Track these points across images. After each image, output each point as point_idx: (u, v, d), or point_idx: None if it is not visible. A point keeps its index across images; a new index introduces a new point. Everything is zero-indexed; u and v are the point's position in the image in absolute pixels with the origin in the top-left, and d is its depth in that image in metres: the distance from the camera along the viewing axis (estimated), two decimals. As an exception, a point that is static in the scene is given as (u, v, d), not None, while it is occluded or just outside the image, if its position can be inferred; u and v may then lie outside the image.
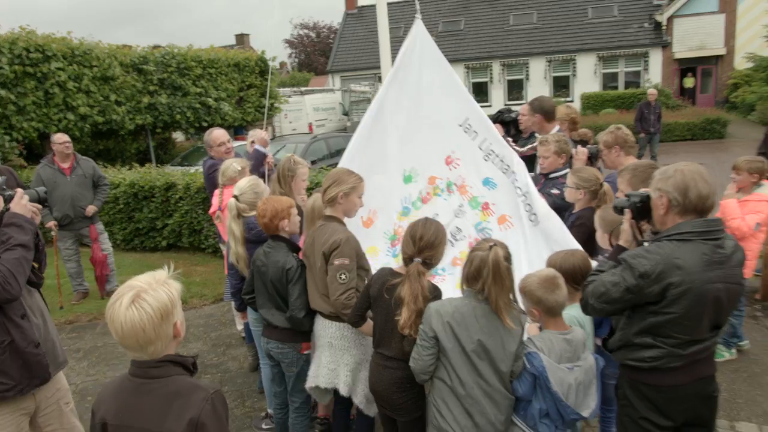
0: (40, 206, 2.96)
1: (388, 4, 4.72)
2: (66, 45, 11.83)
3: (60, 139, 6.71)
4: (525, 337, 2.62)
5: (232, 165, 4.65)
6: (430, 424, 2.70)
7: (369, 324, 3.02)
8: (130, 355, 1.82)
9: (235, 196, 3.88)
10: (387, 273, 2.90)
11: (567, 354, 2.58)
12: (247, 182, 4.02)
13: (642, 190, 2.51)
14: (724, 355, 4.67)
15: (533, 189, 3.70)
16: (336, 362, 3.22)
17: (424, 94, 4.14)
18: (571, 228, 3.55)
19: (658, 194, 2.31)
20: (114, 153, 14.41)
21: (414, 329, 2.64)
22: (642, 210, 2.45)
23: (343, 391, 3.19)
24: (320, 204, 3.43)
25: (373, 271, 3.22)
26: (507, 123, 5.86)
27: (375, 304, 2.89)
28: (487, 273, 2.45)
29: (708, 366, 2.39)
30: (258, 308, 3.55)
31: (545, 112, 4.97)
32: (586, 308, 2.48)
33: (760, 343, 4.92)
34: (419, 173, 4.20)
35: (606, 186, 3.63)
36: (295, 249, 3.47)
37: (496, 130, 4.12)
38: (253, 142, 4.99)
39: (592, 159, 4.44)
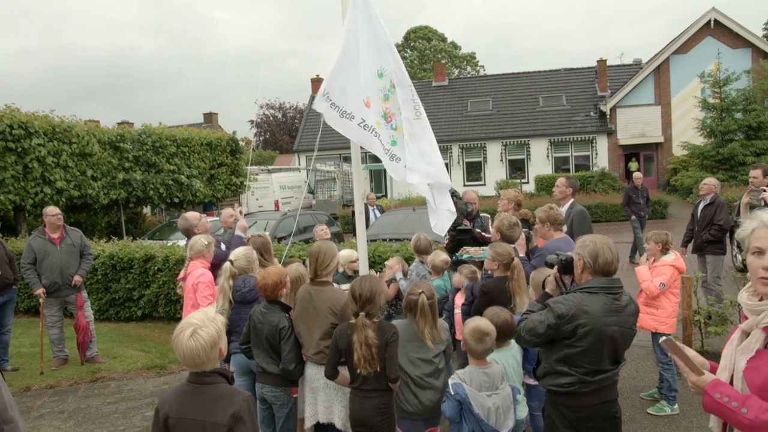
0: None
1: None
2: (48, 122, 12.33)
3: (52, 211, 7.12)
4: None
5: (199, 240, 5.20)
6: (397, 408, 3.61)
7: (344, 376, 3.61)
8: (189, 370, 2.40)
9: (231, 261, 4.48)
10: (347, 327, 3.51)
11: (486, 384, 3.34)
12: (243, 251, 4.70)
13: (568, 253, 3.29)
14: (665, 410, 5.23)
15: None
16: (330, 400, 3.80)
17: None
18: (479, 293, 4.40)
19: (577, 257, 3.06)
20: (85, 226, 14.61)
21: (366, 368, 3.35)
22: (566, 267, 3.23)
23: (338, 425, 3.75)
24: (303, 271, 4.23)
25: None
26: (468, 215, 6.61)
27: (347, 354, 3.50)
28: (419, 311, 3.56)
29: (611, 392, 3.05)
30: (254, 357, 4.02)
31: (575, 188, 6.26)
32: (519, 339, 3.16)
33: (690, 398, 5.48)
34: (385, 71, 4.52)
35: (516, 260, 4.35)
36: (286, 309, 4.01)
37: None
38: (235, 219, 5.75)
39: (529, 240, 5.44)
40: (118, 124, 17.70)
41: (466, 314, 4.46)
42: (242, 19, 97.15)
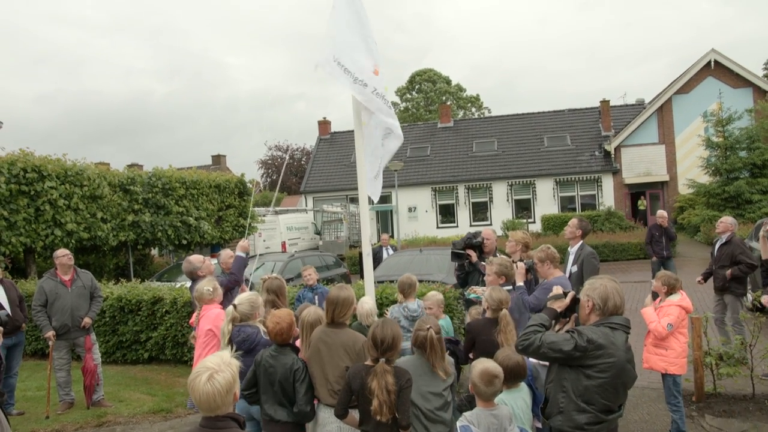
0: (1, 329, 3.19)
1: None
2: (60, 166, 12.55)
3: (62, 252, 7.21)
4: None
5: (204, 288, 5.23)
6: None
7: (353, 417, 3.61)
8: (202, 414, 2.41)
9: (234, 305, 4.50)
10: (362, 369, 3.52)
11: (494, 426, 3.35)
12: (247, 296, 4.73)
13: (573, 292, 3.39)
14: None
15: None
16: None
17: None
18: (466, 332, 4.52)
19: (586, 298, 3.14)
20: (94, 268, 14.68)
21: (385, 415, 3.33)
22: (571, 305, 3.34)
23: None
24: (321, 314, 4.19)
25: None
26: (475, 246, 6.66)
27: (359, 395, 3.50)
28: (428, 346, 3.61)
29: None
30: (261, 404, 3.99)
31: (585, 231, 6.32)
32: (531, 351, 3.11)
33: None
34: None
35: (504, 311, 4.40)
36: (296, 351, 4.01)
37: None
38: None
39: (529, 270, 5.56)
40: (129, 166, 18.01)
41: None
42: (254, 63, 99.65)
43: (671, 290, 5.41)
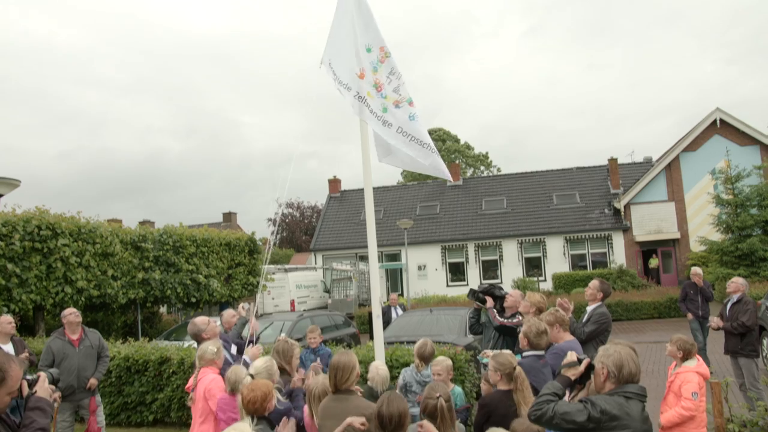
0: (54, 387, 3.21)
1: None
2: (74, 223, 12.72)
3: (69, 311, 7.20)
4: None
5: (208, 349, 5.15)
6: None
7: None
8: None
9: (251, 375, 4.38)
10: None
11: None
12: (263, 363, 4.54)
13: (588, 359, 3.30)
14: None
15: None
16: None
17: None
18: (479, 407, 4.34)
19: (600, 365, 3.09)
20: (102, 325, 14.63)
21: None
22: (585, 372, 3.25)
23: None
24: (327, 386, 4.12)
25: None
26: (496, 297, 6.64)
27: None
28: (439, 415, 3.53)
29: None
30: None
31: (606, 293, 6.26)
32: (544, 421, 3.02)
33: None
34: (372, 46, 5.17)
35: (518, 368, 4.27)
36: (273, 426, 3.85)
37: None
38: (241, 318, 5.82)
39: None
40: (140, 223, 18.21)
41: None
42: (268, 122, 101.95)
43: (687, 355, 5.24)
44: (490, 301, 6.61)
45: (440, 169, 4.89)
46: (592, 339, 5.79)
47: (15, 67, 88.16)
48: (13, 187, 9.87)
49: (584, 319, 6.14)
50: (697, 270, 11.06)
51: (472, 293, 6.81)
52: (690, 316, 10.91)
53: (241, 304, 6.82)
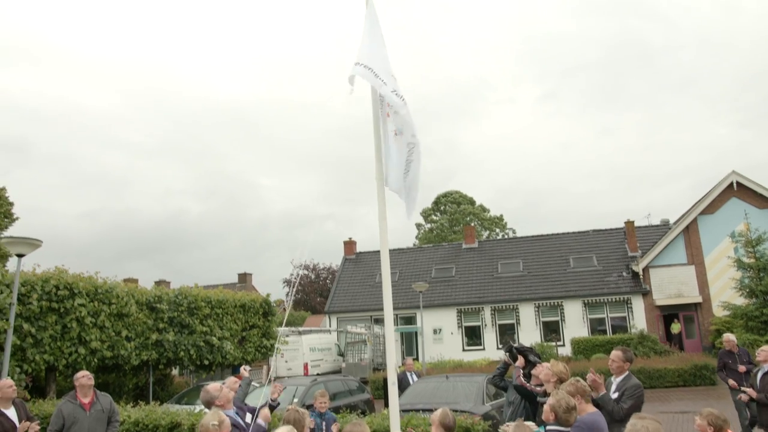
0: None
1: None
2: (92, 283, 12.81)
3: (82, 374, 7.13)
4: None
5: (210, 423, 5.01)
6: None
7: None
8: None
9: None
10: None
11: None
12: None
13: None
14: None
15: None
16: None
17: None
18: None
19: None
20: (113, 387, 14.46)
21: None
22: None
23: None
24: None
25: None
26: (528, 361, 6.56)
27: None
28: None
29: None
30: None
31: (631, 361, 6.12)
32: None
33: None
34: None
35: None
36: None
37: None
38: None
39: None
40: (156, 283, 18.29)
41: None
42: (286, 185, 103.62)
43: (718, 430, 5.01)
44: (521, 361, 6.57)
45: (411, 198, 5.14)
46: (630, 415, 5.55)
47: (46, 132, 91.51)
48: (35, 247, 10.06)
49: (614, 394, 5.88)
50: (729, 336, 10.38)
51: (509, 347, 6.83)
52: (733, 383, 9.89)
53: (243, 366, 6.79)
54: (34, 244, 10.01)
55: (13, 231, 18.95)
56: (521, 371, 6.45)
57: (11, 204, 19.57)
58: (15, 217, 19.53)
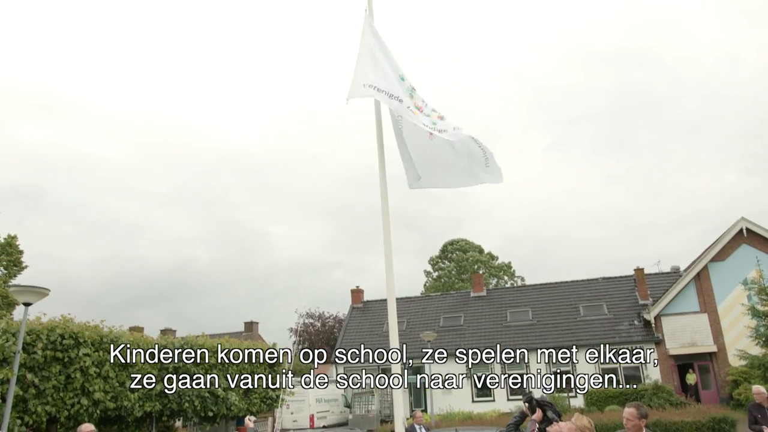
0: None
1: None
2: (97, 333, 12.69)
3: (86, 428, 7.02)
4: None
5: None
6: None
7: None
8: None
9: None
10: None
11: None
12: None
13: None
14: None
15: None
16: None
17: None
18: None
19: None
20: (115, 441, 14.12)
21: None
22: None
23: None
24: None
25: None
26: (546, 417, 6.42)
27: None
28: None
29: None
30: None
31: (646, 417, 5.88)
32: None
33: None
34: (404, 75, 5.64)
35: None
36: None
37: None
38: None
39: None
40: (162, 331, 18.14)
41: None
42: (295, 233, 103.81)
43: None
44: (538, 414, 6.42)
45: (491, 172, 5.47)
46: None
47: (60, 181, 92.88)
48: (42, 296, 10.05)
49: None
50: (760, 389, 10.03)
51: (529, 398, 6.71)
52: None
53: (248, 417, 6.66)
54: (41, 292, 10.01)
55: (22, 279, 18.99)
56: (537, 426, 6.30)
57: (21, 252, 19.69)
58: (24, 265, 19.61)
